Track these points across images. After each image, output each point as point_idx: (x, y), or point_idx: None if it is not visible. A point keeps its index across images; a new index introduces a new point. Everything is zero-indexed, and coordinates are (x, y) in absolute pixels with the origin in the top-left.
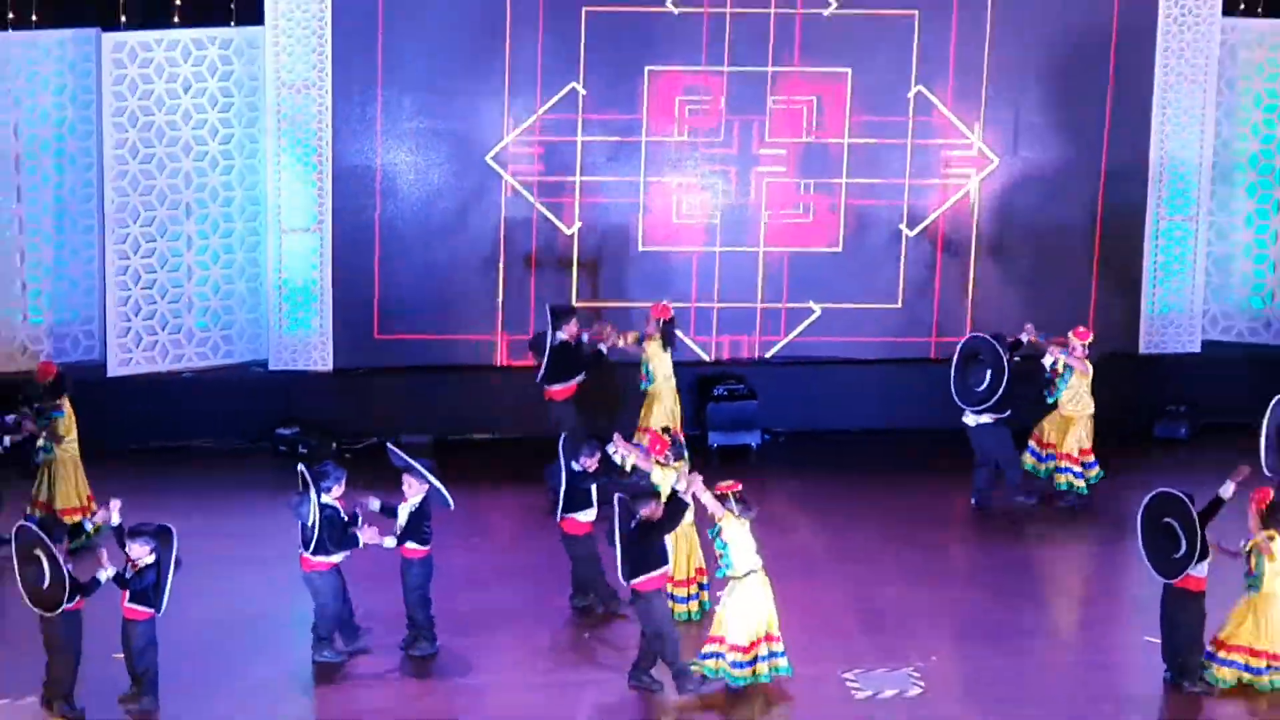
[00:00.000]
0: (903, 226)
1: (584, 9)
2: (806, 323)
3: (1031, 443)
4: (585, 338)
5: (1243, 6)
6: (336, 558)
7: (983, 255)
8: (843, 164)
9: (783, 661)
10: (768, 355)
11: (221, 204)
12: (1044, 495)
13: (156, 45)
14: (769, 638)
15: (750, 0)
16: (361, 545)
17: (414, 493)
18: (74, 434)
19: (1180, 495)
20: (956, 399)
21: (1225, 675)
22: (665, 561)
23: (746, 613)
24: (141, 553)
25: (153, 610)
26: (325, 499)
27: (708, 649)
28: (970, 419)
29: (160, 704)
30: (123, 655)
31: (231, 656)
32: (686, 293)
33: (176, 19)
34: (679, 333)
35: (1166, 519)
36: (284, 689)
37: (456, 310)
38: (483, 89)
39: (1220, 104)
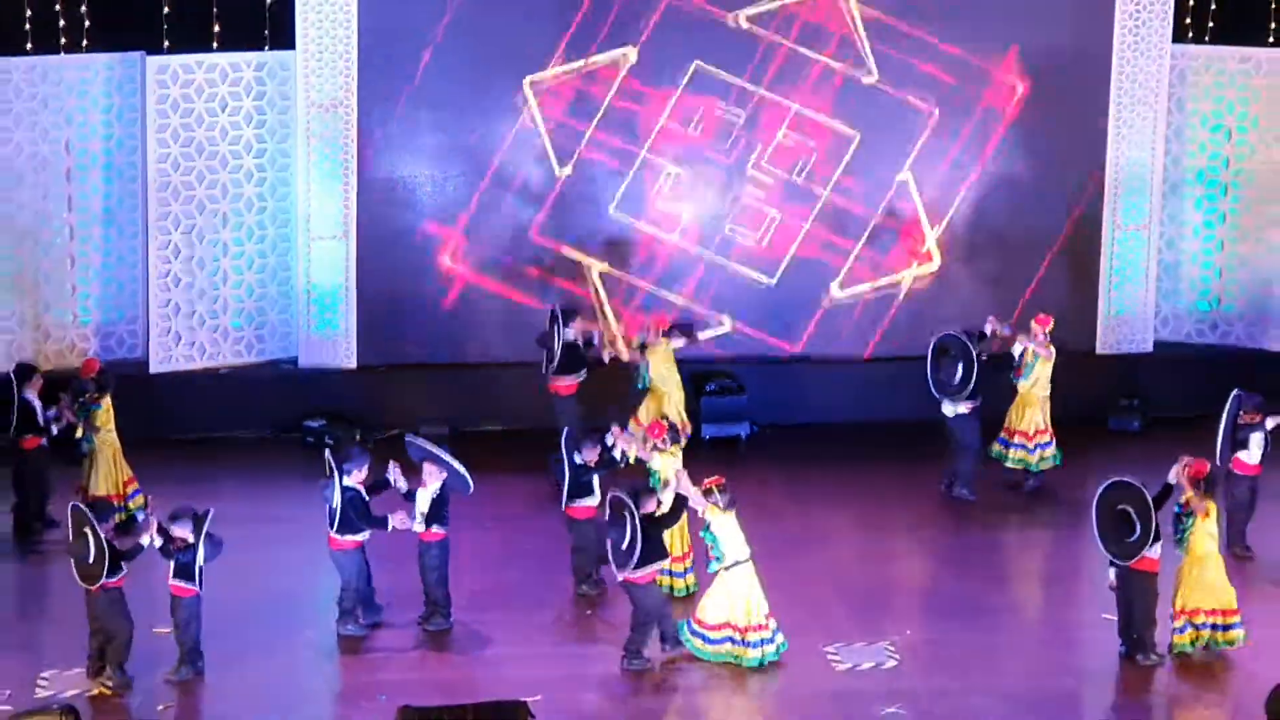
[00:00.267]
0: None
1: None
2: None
3: (1003, 434)
4: (595, 339)
5: (1190, 35)
6: (360, 537)
7: (955, 262)
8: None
9: (771, 649)
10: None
11: (256, 213)
12: (1014, 484)
13: (197, 68)
14: (758, 627)
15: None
16: (390, 529)
17: (433, 480)
18: (112, 425)
19: (1134, 483)
20: (934, 392)
21: (1181, 640)
22: (665, 555)
23: (725, 598)
24: (183, 533)
25: (195, 588)
26: (347, 481)
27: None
28: (949, 409)
29: (201, 674)
30: (171, 630)
31: (264, 630)
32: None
33: (215, 44)
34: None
35: (1122, 506)
36: (312, 660)
37: (471, 311)
38: (495, 106)
39: (1170, 123)
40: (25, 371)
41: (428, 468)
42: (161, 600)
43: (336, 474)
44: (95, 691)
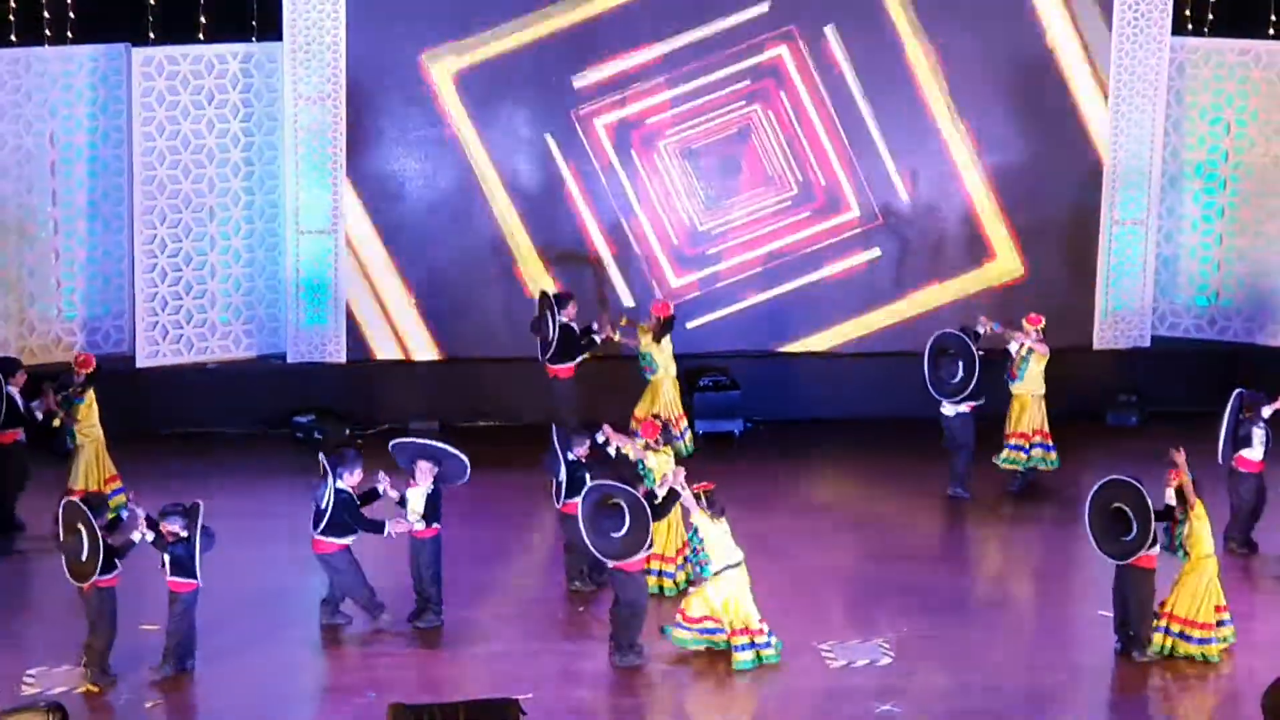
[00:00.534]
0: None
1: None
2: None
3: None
4: (594, 325)
5: (1189, 27)
6: (347, 539)
7: (952, 257)
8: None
9: (769, 650)
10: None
11: (243, 207)
12: (1024, 486)
13: (182, 59)
14: (746, 630)
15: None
16: (388, 534)
17: (426, 478)
18: (95, 421)
19: (1132, 482)
20: (932, 392)
21: (1158, 640)
22: (650, 545)
23: (711, 598)
24: (174, 529)
25: (195, 581)
26: (340, 484)
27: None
28: (948, 409)
29: (191, 670)
30: (160, 626)
31: (254, 626)
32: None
33: (201, 35)
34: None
35: (1117, 504)
36: (302, 657)
37: (459, 306)
38: (484, 98)
39: (1169, 116)
40: (8, 366)
41: (420, 466)
42: (150, 597)
43: (330, 475)
44: (83, 689)
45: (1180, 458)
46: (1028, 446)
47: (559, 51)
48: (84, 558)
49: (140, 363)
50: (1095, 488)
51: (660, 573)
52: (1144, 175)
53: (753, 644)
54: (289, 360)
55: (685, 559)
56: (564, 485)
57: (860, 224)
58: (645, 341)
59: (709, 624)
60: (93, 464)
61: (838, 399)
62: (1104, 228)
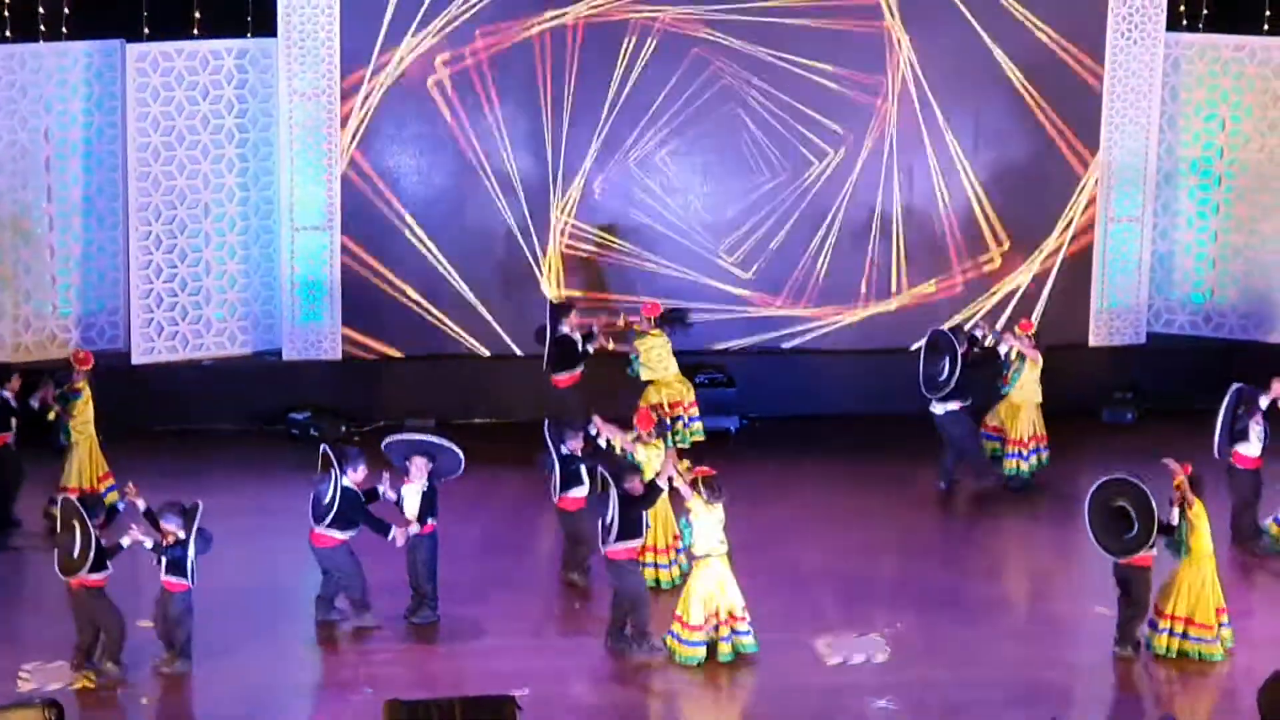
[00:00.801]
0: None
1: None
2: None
3: (981, 429)
4: (594, 330)
5: (1184, 23)
6: (348, 535)
7: (946, 253)
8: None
9: (748, 639)
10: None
11: (238, 203)
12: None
13: (177, 55)
14: (731, 618)
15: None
16: (391, 539)
17: (420, 475)
18: (90, 418)
19: (1136, 481)
20: (923, 390)
21: (1160, 642)
22: (641, 534)
23: (702, 593)
24: (171, 528)
25: (188, 582)
26: (345, 482)
27: (672, 626)
28: (938, 408)
29: (191, 666)
30: (152, 623)
31: (250, 623)
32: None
33: (196, 31)
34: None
35: (1120, 502)
36: (298, 653)
37: (456, 302)
38: (481, 94)
39: (1164, 113)
40: (3, 372)
41: (415, 462)
42: (146, 593)
43: (337, 471)
44: (79, 685)
45: (1174, 466)
46: (1026, 454)
47: (552, 46)
48: (75, 554)
49: (135, 359)
50: (1096, 485)
51: (655, 564)
52: (1139, 172)
53: (733, 633)
54: (284, 357)
55: (677, 551)
56: (558, 479)
57: (855, 221)
58: (646, 345)
59: (706, 634)
60: (86, 462)
61: (834, 396)
62: (1099, 224)
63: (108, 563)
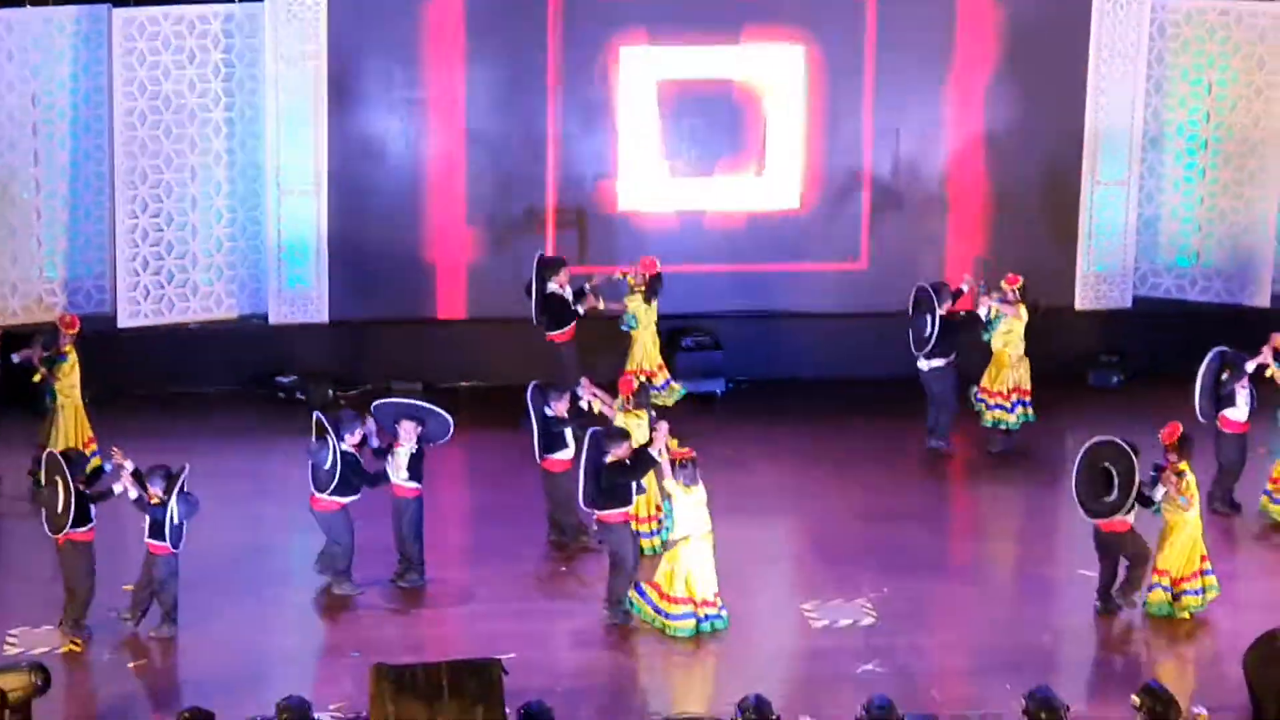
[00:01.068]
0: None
1: None
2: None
3: (980, 393)
4: (586, 289)
5: None
6: (349, 499)
7: (933, 217)
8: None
9: (719, 622)
10: None
11: (225, 167)
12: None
13: (164, 20)
14: (705, 602)
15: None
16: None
17: (409, 438)
18: (75, 381)
19: (1125, 447)
20: (912, 346)
21: (1155, 599)
22: (629, 500)
23: (683, 570)
24: (157, 491)
25: (170, 546)
26: (344, 447)
27: (648, 593)
28: (923, 364)
29: (177, 630)
30: (134, 586)
31: (237, 586)
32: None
33: None
34: None
35: (1105, 465)
36: (284, 617)
37: (443, 266)
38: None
39: (1150, 77)
40: None
41: (404, 425)
42: (134, 557)
43: (333, 437)
44: (65, 649)
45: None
46: (1010, 405)
47: (537, 10)
48: (59, 509)
49: (121, 323)
50: (1088, 445)
51: (636, 533)
52: (1125, 136)
53: (694, 614)
54: (271, 321)
55: (659, 521)
56: (540, 441)
57: (843, 183)
58: (634, 303)
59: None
60: (71, 426)
61: (819, 359)
62: (1085, 189)
63: (91, 515)
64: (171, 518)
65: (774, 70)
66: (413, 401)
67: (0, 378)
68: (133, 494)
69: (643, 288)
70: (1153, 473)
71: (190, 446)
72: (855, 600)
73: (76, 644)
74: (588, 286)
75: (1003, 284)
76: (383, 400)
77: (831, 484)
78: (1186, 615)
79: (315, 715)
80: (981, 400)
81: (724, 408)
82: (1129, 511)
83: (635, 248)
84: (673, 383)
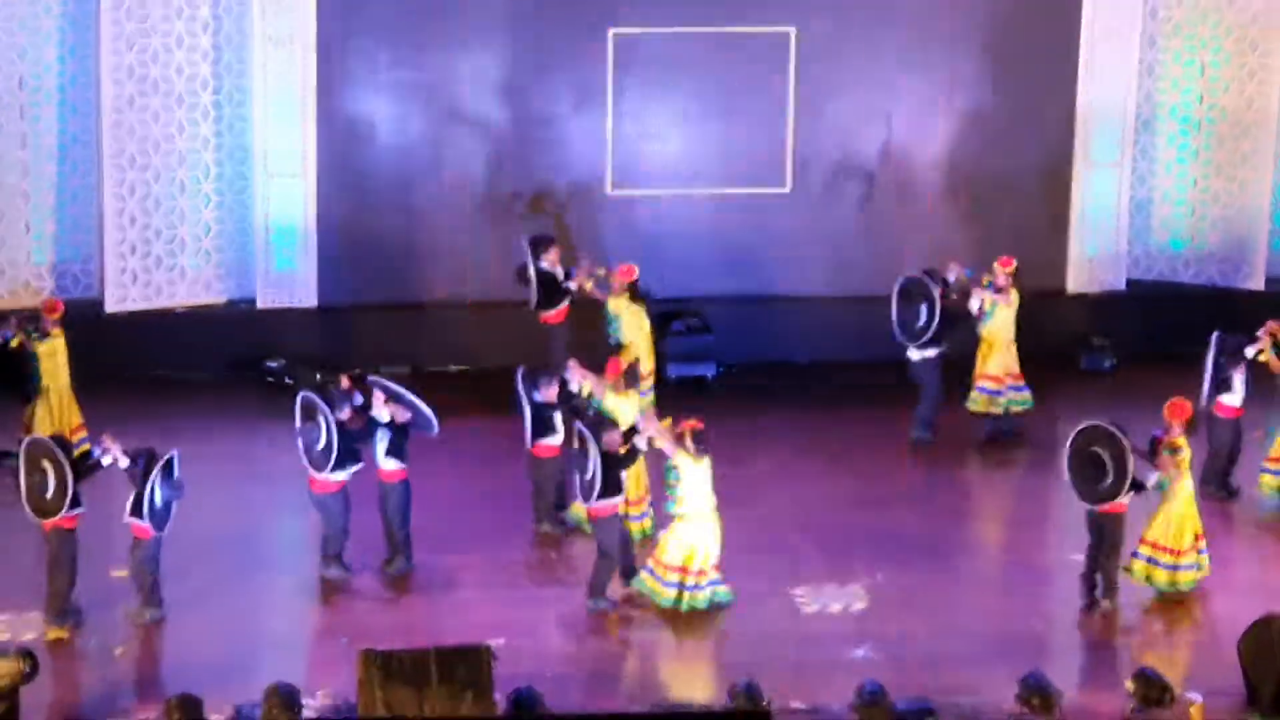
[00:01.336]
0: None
1: None
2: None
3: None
4: (574, 273)
5: None
6: (345, 475)
7: (924, 200)
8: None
9: (723, 589)
10: None
11: (213, 150)
12: (997, 434)
13: (152, 3)
14: (701, 572)
15: None
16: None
17: (401, 416)
18: (62, 365)
19: (1114, 430)
20: (899, 335)
21: (1137, 568)
22: (620, 492)
23: (683, 542)
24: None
25: (154, 528)
26: (340, 417)
27: (648, 562)
28: (914, 354)
29: (164, 615)
30: (124, 572)
31: (224, 572)
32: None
33: None
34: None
35: (1095, 449)
36: (272, 603)
37: (432, 250)
38: (453, 42)
39: (1143, 59)
40: None
41: (376, 398)
42: (120, 543)
43: (327, 415)
44: (52, 636)
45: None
46: (999, 390)
47: None
48: (49, 495)
49: (109, 307)
50: (1076, 431)
51: (627, 515)
52: (1118, 118)
53: (710, 583)
54: (259, 305)
55: (650, 505)
56: (531, 426)
57: (832, 167)
58: (620, 306)
59: (679, 576)
60: (56, 411)
61: (810, 343)
62: (1077, 171)
63: (80, 499)
64: (153, 498)
65: (765, 53)
66: (404, 392)
67: None
68: (123, 463)
69: (624, 293)
70: (1149, 445)
71: (178, 431)
72: (847, 585)
73: (64, 633)
74: (575, 270)
75: (995, 265)
76: (377, 380)
77: (823, 468)
78: (1180, 589)
79: (303, 701)
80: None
81: (715, 392)
82: (1127, 494)
83: (625, 230)
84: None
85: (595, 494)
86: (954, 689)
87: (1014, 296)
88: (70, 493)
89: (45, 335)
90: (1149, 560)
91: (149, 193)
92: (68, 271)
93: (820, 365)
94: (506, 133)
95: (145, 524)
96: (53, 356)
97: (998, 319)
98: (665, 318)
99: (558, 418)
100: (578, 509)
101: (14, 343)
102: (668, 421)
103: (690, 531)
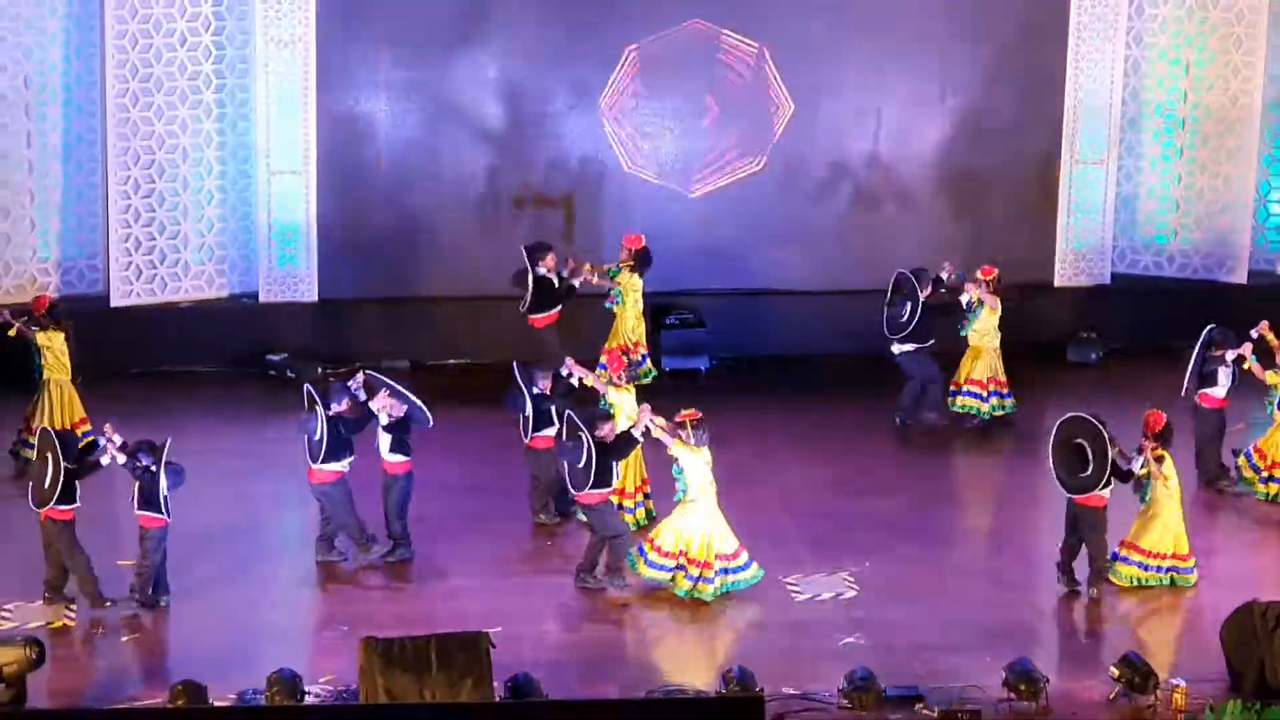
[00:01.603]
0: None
1: None
2: None
3: (952, 386)
4: (564, 273)
5: None
6: (342, 466)
7: (914, 197)
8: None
9: (749, 573)
10: None
11: (216, 148)
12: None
13: (155, 3)
14: (723, 556)
15: None
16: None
17: (398, 411)
18: (62, 360)
19: (1094, 421)
20: (885, 330)
21: (1124, 571)
22: (611, 482)
23: (682, 528)
24: (143, 463)
25: (161, 517)
26: (332, 410)
27: (641, 544)
28: (896, 348)
29: (169, 601)
30: (131, 562)
31: (228, 562)
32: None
33: None
34: None
35: (1077, 440)
36: (274, 592)
37: (431, 246)
38: (453, 42)
39: (1128, 57)
40: None
41: (381, 396)
42: (126, 533)
43: (321, 407)
44: (57, 624)
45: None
46: (985, 395)
47: None
48: (45, 485)
49: (114, 302)
50: (1060, 422)
51: (620, 507)
52: (1104, 115)
53: (725, 570)
54: (261, 300)
55: (645, 495)
56: (530, 419)
57: (821, 164)
58: (625, 276)
59: (680, 560)
60: (59, 404)
61: (802, 337)
62: (1064, 167)
63: (75, 496)
64: (160, 487)
65: (758, 55)
66: (399, 388)
67: None
68: (120, 460)
69: (630, 262)
70: (1135, 452)
71: (181, 424)
72: (837, 573)
73: (68, 619)
74: (573, 279)
75: (978, 274)
76: (373, 375)
77: (812, 457)
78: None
79: (305, 688)
80: (953, 393)
81: (708, 384)
82: (1106, 486)
83: (621, 227)
84: (648, 361)
85: (588, 483)
86: (941, 675)
87: (997, 303)
88: (60, 486)
89: (44, 327)
90: (1137, 564)
91: (153, 190)
92: (73, 267)
93: (810, 359)
94: (504, 131)
95: (157, 514)
96: (52, 349)
97: (982, 322)
98: (660, 312)
99: (554, 410)
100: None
101: (11, 332)
102: (659, 420)
103: (690, 521)
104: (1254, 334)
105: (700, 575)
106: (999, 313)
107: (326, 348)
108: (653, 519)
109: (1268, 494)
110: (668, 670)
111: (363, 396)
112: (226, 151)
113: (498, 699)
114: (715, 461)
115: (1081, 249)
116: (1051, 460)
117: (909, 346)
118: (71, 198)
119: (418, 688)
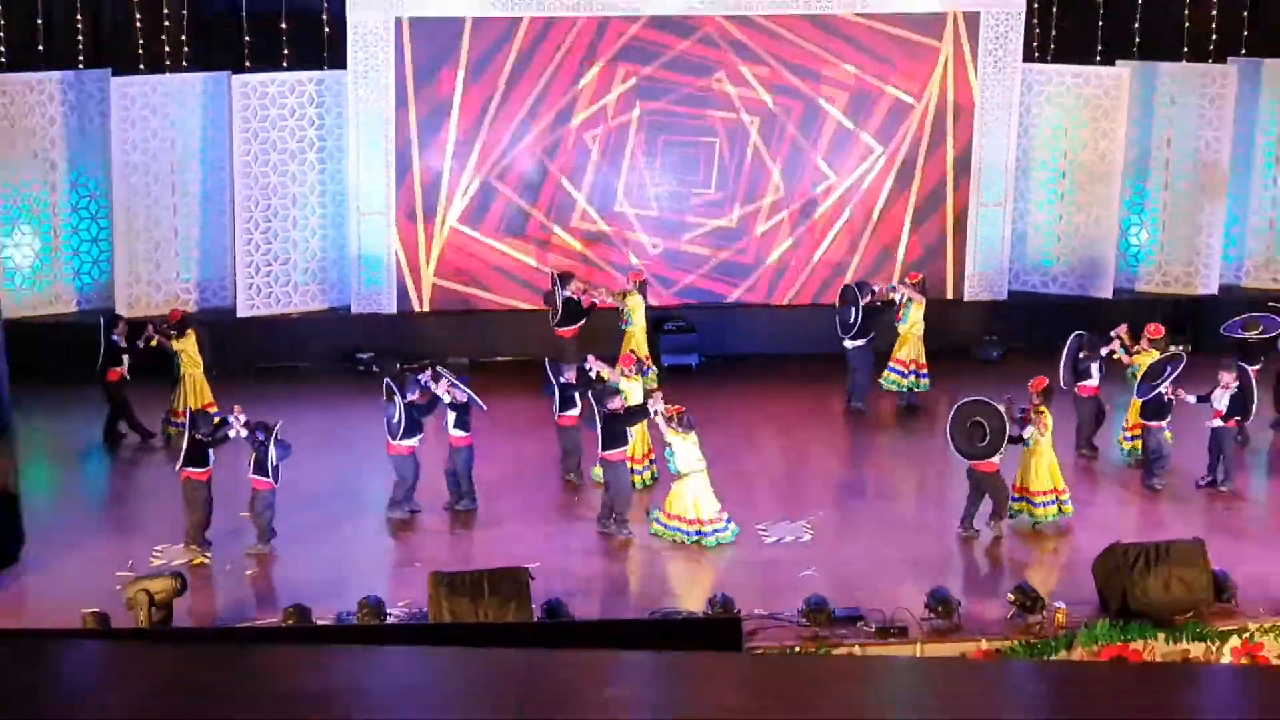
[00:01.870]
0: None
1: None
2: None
3: (891, 364)
4: (582, 297)
5: (1036, 55)
6: (414, 442)
7: (855, 229)
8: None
9: (726, 534)
10: None
11: (318, 195)
12: (910, 405)
13: (270, 83)
14: (712, 520)
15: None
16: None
17: (443, 391)
18: (194, 358)
19: (992, 403)
20: (838, 330)
21: (1020, 510)
22: (626, 442)
23: (685, 498)
24: (260, 438)
25: (272, 481)
26: (407, 400)
27: (658, 514)
28: (848, 344)
29: (275, 548)
30: (249, 514)
31: (327, 515)
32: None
33: (285, 64)
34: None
35: (977, 419)
36: (362, 538)
37: (481, 273)
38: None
39: (1021, 123)
40: (112, 319)
41: (442, 385)
42: (246, 493)
43: (399, 396)
44: (196, 561)
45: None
46: (907, 373)
47: (560, 52)
48: (183, 453)
49: (240, 314)
50: (958, 405)
51: (632, 470)
52: (1002, 169)
53: (715, 530)
54: (353, 311)
55: (650, 461)
56: (558, 402)
57: (789, 206)
58: (633, 302)
59: (682, 524)
60: (192, 392)
61: (773, 339)
62: (972, 208)
63: (209, 461)
64: (271, 458)
65: (734, 125)
66: (458, 384)
67: (127, 354)
68: (244, 434)
69: (635, 291)
70: (1019, 415)
71: (289, 407)
72: (797, 520)
73: (205, 559)
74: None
75: (906, 279)
76: (442, 371)
77: (779, 433)
78: (1035, 523)
79: (388, 610)
80: (890, 369)
81: (698, 377)
82: (998, 455)
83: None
84: (654, 370)
85: (601, 445)
86: (878, 600)
87: (923, 299)
88: (190, 453)
89: (179, 335)
90: (1023, 500)
91: (269, 228)
92: (208, 286)
93: (780, 356)
94: (540, 178)
95: (266, 479)
96: (185, 351)
97: (912, 316)
98: (658, 320)
99: (577, 395)
100: (596, 470)
101: (153, 343)
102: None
103: (689, 488)
104: (1114, 334)
105: (699, 531)
106: (924, 306)
107: (403, 347)
108: (656, 481)
109: (1135, 449)
110: (667, 596)
111: (432, 387)
112: (326, 198)
113: (535, 619)
114: (704, 440)
115: (985, 270)
116: (950, 435)
117: (859, 342)
118: (207, 234)
119: (474, 610)
